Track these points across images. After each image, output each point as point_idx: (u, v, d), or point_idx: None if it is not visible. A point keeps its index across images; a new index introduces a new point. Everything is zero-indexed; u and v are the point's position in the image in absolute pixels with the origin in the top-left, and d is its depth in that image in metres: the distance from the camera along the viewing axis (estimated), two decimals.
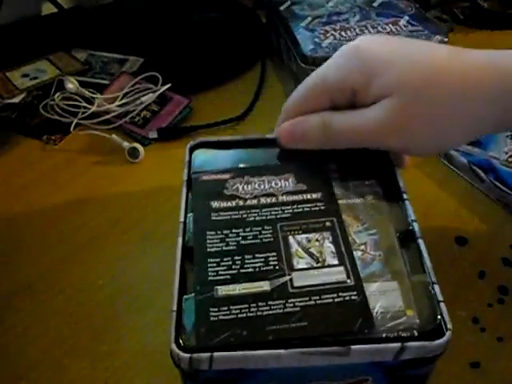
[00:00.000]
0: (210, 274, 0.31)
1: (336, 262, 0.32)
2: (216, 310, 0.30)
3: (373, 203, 0.35)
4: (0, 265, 0.48)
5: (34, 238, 0.50)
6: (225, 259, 0.32)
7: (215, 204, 0.35)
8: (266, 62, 0.70)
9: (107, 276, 0.46)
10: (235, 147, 0.40)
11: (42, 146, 0.60)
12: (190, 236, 0.34)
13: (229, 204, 0.35)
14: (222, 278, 0.31)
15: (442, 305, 0.30)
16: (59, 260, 0.48)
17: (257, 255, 0.32)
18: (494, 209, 0.51)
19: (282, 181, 0.36)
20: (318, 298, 0.30)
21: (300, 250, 0.32)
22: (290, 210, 0.35)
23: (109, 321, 0.43)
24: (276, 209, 0.35)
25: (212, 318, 0.29)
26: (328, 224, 0.34)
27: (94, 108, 0.60)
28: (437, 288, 0.31)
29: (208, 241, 0.33)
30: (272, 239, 0.33)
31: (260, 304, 0.30)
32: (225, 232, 0.33)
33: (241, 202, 0.35)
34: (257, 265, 0.32)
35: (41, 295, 0.45)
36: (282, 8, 0.68)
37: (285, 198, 0.35)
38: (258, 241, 0.33)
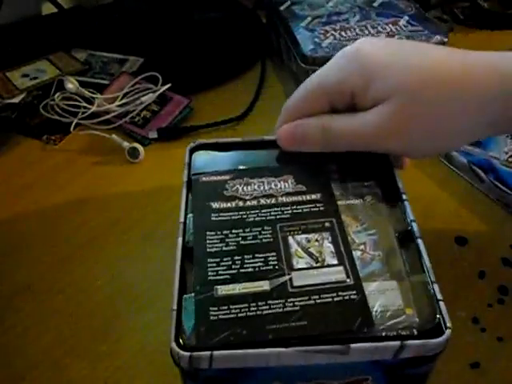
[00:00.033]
0: (209, 273, 0.31)
1: (335, 261, 0.32)
2: (216, 309, 0.30)
3: (372, 204, 0.35)
4: (0, 265, 0.48)
5: (34, 238, 0.50)
6: (225, 259, 0.32)
7: (215, 205, 0.35)
8: (266, 62, 0.70)
9: (107, 276, 0.46)
10: (234, 149, 0.40)
11: (42, 146, 0.60)
12: (190, 236, 0.34)
13: (229, 205, 0.35)
14: (221, 277, 0.31)
15: (442, 303, 0.30)
16: (59, 260, 0.48)
17: (256, 255, 0.32)
18: (493, 209, 0.51)
19: (282, 182, 0.37)
20: (317, 297, 0.30)
21: (299, 249, 0.32)
22: (290, 211, 0.35)
23: (109, 321, 0.43)
24: (275, 209, 0.35)
25: (212, 318, 0.29)
26: (327, 224, 0.34)
27: (94, 108, 0.60)
28: (436, 287, 0.31)
29: (208, 241, 0.33)
30: (272, 239, 0.33)
31: (260, 303, 0.30)
32: (225, 232, 0.33)
33: (240, 203, 0.35)
34: (256, 265, 0.32)
35: (41, 295, 0.45)
36: (281, 8, 0.68)
37: (284, 199, 0.35)
38: (258, 241, 0.33)
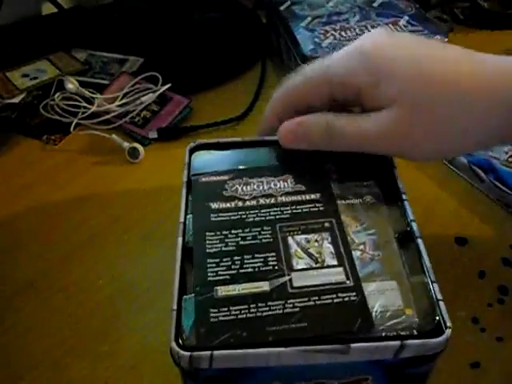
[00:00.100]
0: (209, 274, 0.31)
1: (335, 262, 0.32)
2: (216, 310, 0.30)
3: (372, 203, 0.35)
4: (0, 264, 0.48)
5: (34, 238, 0.50)
6: (224, 260, 0.32)
7: (214, 205, 0.35)
8: (266, 62, 0.70)
9: (107, 276, 0.46)
10: (234, 149, 0.40)
11: (42, 146, 0.60)
12: (190, 237, 0.34)
13: (228, 205, 0.35)
14: (221, 278, 0.31)
15: (441, 303, 0.30)
16: (59, 259, 0.48)
17: (256, 255, 0.32)
18: (493, 209, 0.51)
19: (281, 182, 0.37)
20: (317, 298, 0.30)
21: (299, 250, 0.32)
22: (289, 211, 0.35)
23: (109, 321, 0.43)
24: (275, 209, 0.35)
25: (212, 319, 0.29)
26: (327, 225, 0.34)
27: (94, 108, 0.60)
28: (436, 287, 0.31)
29: (207, 241, 0.33)
30: (271, 240, 0.33)
31: (260, 304, 0.30)
32: (224, 233, 0.33)
33: (240, 203, 0.35)
34: (256, 265, 0.32)
35: (42, 293, 0.45)
36: (282, 8, 0.68)
37: (284, 199, 0.35)
38: (258, 241, 0.33)
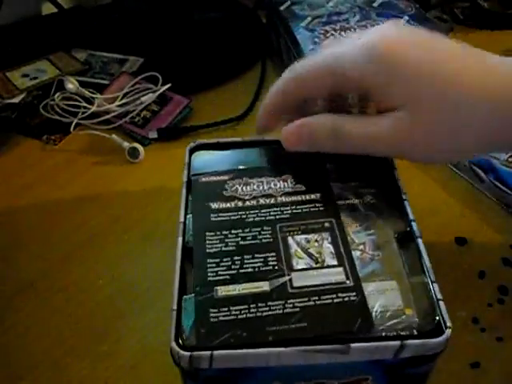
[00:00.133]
0: (209, 274, 0.31)
1: (335, 262, 0.32)
2: (216, 311, 0.30)
3: (372, 203, 0.35)
4: (0, 264, 0.48)
5: (34, 238, 0.50)
6: (224, 260, 0.32)
7: (214, 205, 0.35)
8: (266, 62, 0.70)
9: (107, 276, 0.46)
10: (234, 149, 0.40)
11: (42, 146, 0.60)
12: (190, 237, 0.34)
13: (228, 205, 0.35)
14: (221, 278, 0.31)
15: (441, 303, 0.30)
16: (59, 260, 0.48)
17: (256, 255, 0.32)
18: (493, 209, 0.51)
19: (281, 182, 0.37)
20: (317, 298, 0.30)
21: (299, 250, 0.32)
22: (289, 211, 0.35)
23: (109, 321, 0.43)
24: (275, 209, 0.35)
25: (212, 320, 0.29)
26: (327, 225, 0.34)
27: (94, 108, 0.60)
28: (436, 287, 0.31)
29: (207, 241, 0.33)
30: (271, 240, 0.33)
31: (260, 304, 0.30)
32: (224, 233, 0.33)
33: (240, 203, 0.35)
34: (256, 265, 0.32)
35: (42, 293, 0.45)
36: (281, 8, 0.68)
37: (284, 199, 0.35)
38: (258, 241, 0.33)
